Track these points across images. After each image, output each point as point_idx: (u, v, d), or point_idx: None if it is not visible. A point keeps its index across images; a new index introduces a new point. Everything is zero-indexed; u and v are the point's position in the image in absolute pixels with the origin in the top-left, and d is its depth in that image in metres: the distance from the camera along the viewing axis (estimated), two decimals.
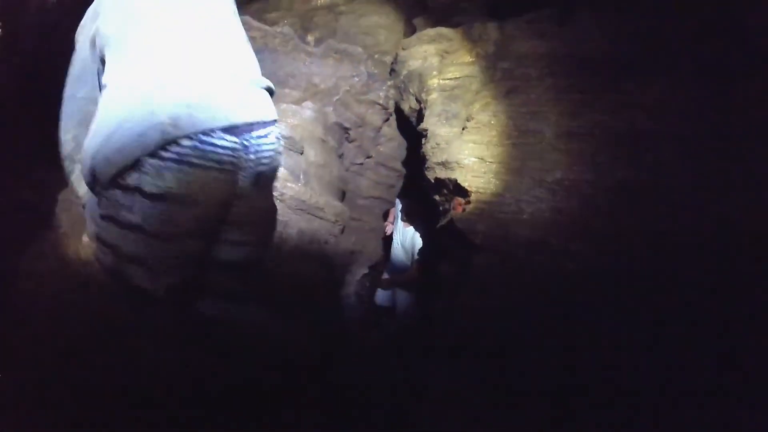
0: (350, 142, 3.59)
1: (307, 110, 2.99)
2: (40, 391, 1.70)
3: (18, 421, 1.62)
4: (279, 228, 2.65)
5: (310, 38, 4.23)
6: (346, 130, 3.42)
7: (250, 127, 1.47)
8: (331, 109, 3.22)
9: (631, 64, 2.64)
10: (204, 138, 1.36)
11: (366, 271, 4.60)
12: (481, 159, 2.60)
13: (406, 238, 4.30)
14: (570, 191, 2.36)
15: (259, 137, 1.50)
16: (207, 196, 1.45)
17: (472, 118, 2.79)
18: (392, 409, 2.31)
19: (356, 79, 3.58)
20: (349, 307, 4.33)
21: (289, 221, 2.72)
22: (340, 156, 3.43)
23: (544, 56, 2.95)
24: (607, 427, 1.92)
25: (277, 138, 1.63)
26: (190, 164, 1.36)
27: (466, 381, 2.14)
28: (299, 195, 2.69)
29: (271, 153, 1.56)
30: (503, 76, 2.98)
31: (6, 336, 1.80)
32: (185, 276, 1.56)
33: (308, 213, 2.82)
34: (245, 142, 1.45)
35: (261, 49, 3.50)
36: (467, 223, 2.45)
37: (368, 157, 3.89)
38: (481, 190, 2.51)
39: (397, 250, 4.44)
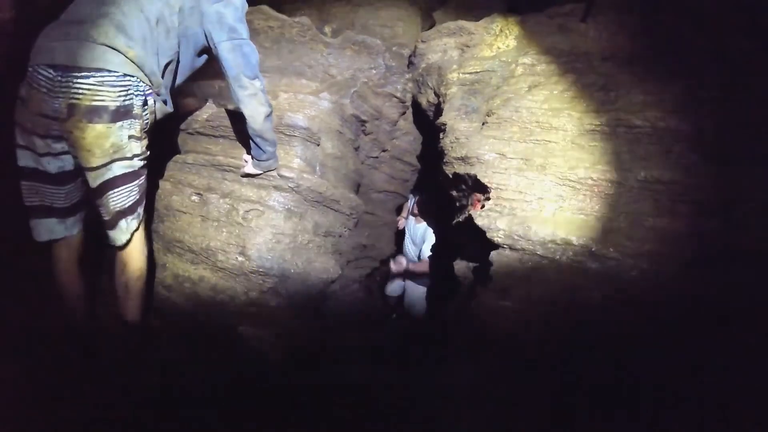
0: (366, 135, 3.54)
1: (325, 101, 2.94)
2: None
3: None
4: (295, 220, 2.63)
5: (327, 29, 4.20)
6: (362, 122, 3.37)
7: (69, 68, 1.84)
8: (348, 101, 3.17)
9: (653, 61, 2.61)
10: (36, 67, 1.87)
11: (377, 265, 4.58)
12: (502, 155, 2.55)
13: (417, 233, 4.27)
14: (593, 190, 2.32)
15: (77, 77, 1.84)
16: (32, 103, 1.91)
17: (493, 113, 2.75)
18: (411, 409, 2.30)
19: (374, 71, 3.53)
20: (360, 301, 4.30)
21: (305, 213, 2.69)
22: (356, 149, 3.39)
23: (566, 52, 2.92)
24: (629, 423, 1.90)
25: (106, 83, 1.89)
26: (29, 83, 1.90)
27: (486, 381, 2.11)
28: (316, 187, 2.65)
29: (85, 91, 1.85)
30: (525, 71, 2.95)
31: None
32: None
33: (324, 205, 2.78)
34: (61, 77, 1.84)
35: (278, 39, 3.47)
36: (486, 220, 2.41)
37: (384, 151, 3.85)
38: (501, 187, 2.46)
39: (408, 245, 4.42)
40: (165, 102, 2.23)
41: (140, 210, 2.21)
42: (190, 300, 2.59)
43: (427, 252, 4.17)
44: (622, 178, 2.32)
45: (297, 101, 2.90)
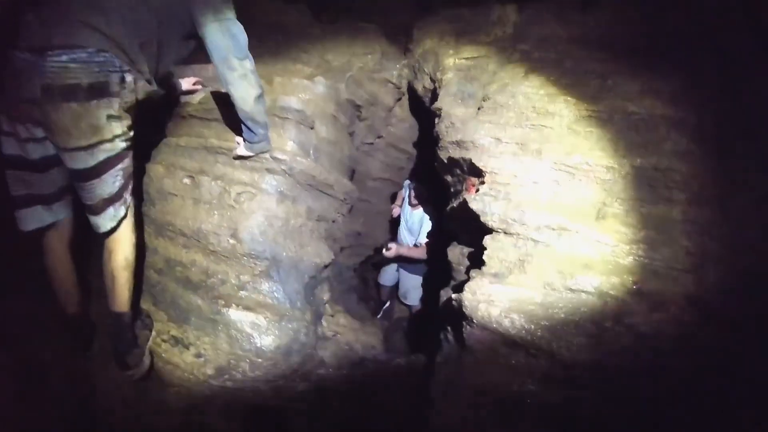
0: (361, 120, 3.52)
1: (319, 86, 2.91)
2: None
3: None
4: (288, 203, 2.61)
5: (323, 15, 4.16)
6: (357, 107, 3.35)
7: (44, 48, 1.79)
8: (344, 85, 3.15)
9: (651, 52, 2.61)
10: (15, 51, 1.82)
11: (371, 253, 4.57)
12: (498, 139, 2.53)
13: (413, 221, 4.25)
14: (589, 176, 2.31)
15: (50, 56, 1.78)
16: (11, 88, 1.87)
17: (489, 99, 2.73)
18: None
19: (369, 56, 3.50)
20: (354, 288, 4.30)
21: (298, 197, 2.66)
22: (351, 134, 3.37)
23: (564, 40, 2.91)
24: None
25: (78, 60, 1.82)
26: (9, 67, 1.84)
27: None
28: (309, 170, 2.62)
29: (57, 71, 1.79)
30: (522, 57, 2.93)
31: None
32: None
33: (317, 189, 2.76)
34: (36, 58, 1.78)
35: (274, 24, 3.43)
36: (481, 204, 2.38)
37: (379, 137, 3.83)
38: (496, 171, 2.44)
39: (404, 233, 4.39)
40: (149, 82, 2.16)
41: (127, 196, 2.16)
42: (182, 284, 2.57)
43: (424, 238, 4.15)
44: (618, 165, 2.30)
45: (291, 85, 2.87)
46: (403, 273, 4.57)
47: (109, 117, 1.94)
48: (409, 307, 4.69)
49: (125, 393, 2.49)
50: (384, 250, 4.03)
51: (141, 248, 2.53)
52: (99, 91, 1.89)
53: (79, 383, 2.47)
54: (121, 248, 2.18)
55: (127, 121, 2.07)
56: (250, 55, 2.19)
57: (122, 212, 2.13)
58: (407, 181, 4.34)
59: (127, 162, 2.11)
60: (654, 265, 2.08)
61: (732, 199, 2.14)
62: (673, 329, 1.95)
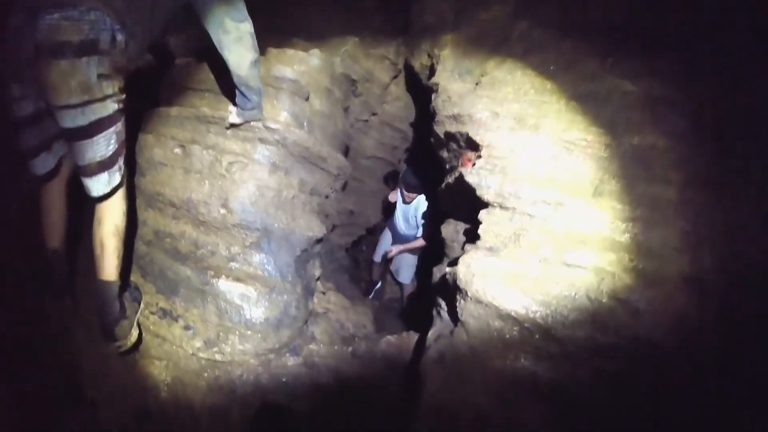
0: (356, 96, 3.47)
1: (315, 58, 2.85)
2: None
3: None
4: (280, 174, 2.56)
5: None
6: (353, 82, 3.29)
7: (38, 8, 1.77)
8: (339, 59, 3.09)
9: (650, 35, 2.58)
10: (12, 15, 1.81)
11: (364, 233, 4.54)
12: (495, 113, 2.50)
13: (408, 211, 4.16)
14: (586, 152, 2.28)
15: (43, 15, 1.76)
16: (9, 50, 1.87)
17: (487, 74, 2.70)
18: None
19: (366, 32, 3.45)
20: (345, 267, 4.27)
21: (291, 168, 2.61)
22: (346, 110, 3.31)
23: (564, 20, 2.88)
24: None
25: (69, 18, 1.80)
26: (7, 30, 1.83)
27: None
28: (302, 141, 2.57)
29: (48, 29, 1.77)
30: (521, 35, 2.90)
31: None
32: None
33: (310, 162, 2.71)
34: (31, 18, 1.77)
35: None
36: (477, 178, 2.36)
37: (374, 115, 3.78)
38: (493, 145, 2.41)
39: (399, 220, 4.32)
40: (141, 44, 2.10)
41: (121, 162, 2.12)
42: (171, 255, 2.52)
43: (420, 221, 4.07)
44: (616, 142, 2.28)
45: (286, 57, 2.80)
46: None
47: (100, 76, 1.90)
48: (400, 285, 4.66)
49: (112, 366, 2.44)
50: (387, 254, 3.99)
51: (131, 218, 2.47)
52: (89, 48, 1.84)
53: (65, 356, 2.43)
54: (112, 216, 2.14)
55: (119, 83, 2.01)
56: (249, 18, 2.14)
57: (117, 179, 2.10)
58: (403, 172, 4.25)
59: (120, 126, 2.06)
60: (650, 243, 2.07)
61: (728, 181, 2.12)
62: (669, 307, 1.94)
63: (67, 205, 2.35)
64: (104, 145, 2.00)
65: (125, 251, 2.27)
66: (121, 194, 2.15)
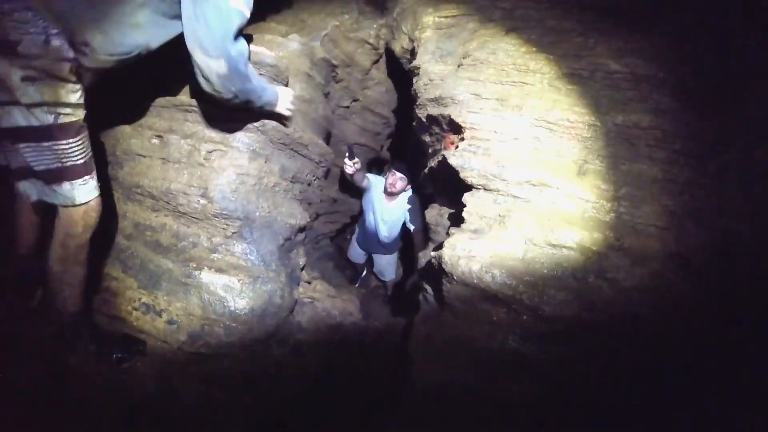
0: (337, 82, 3.41)
1: (294, 43, 2.79)
2: None
3: None
4: (260, 161, 2.51)
5: None
6: (333, 67, 3.24)
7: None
8: (318, 43, 3.03)
9: (633, 13, 2.58)
10: None
11: (348, 221, 4.50)
12: (477, 95, 2.47)
13: (390, 213, 3.98)
14: (570, 132, 2.27)
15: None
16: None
17: (469, 56, 2.66)
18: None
19: (346, 15, 3.38)
20: (330, 256, 4.23)
21: (271, 155, 2.56)
22: (326, 95, 3.26)
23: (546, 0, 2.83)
24: None
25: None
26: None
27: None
28: (282, 128, 2.52)
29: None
30: (503, 15, 2.87)
31: None
32: None
33: (291, 148, 2.66)
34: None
35: None
36: (460, 160, 2.33)
37: (355, 100, 3.72)
38: (476, 127, 2.38)
39: (375, 221, 4.10)
40: (109, 52, 1.88)
41: (81, 181, 1.96)
42: (152, 248, 2.47)
43: (415, 223, 3.81)
44: (600, 122, 2.28)
45: (264, 42, 2.74)
46: (376, 256, 4.50)
47: (24, 79, 1.71)
48: (384, 283, 4.63)
49: (98, 364, 2.39)
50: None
51: (111, 212, 2.46)
52: (8, 48, 1.67)
53: (50, 355, 2.37)
54: (83, 219, 2.05)
55: (56, 91, 1.80)
56: (232, 52, 1.92)
57: (82, 194, 1.99)
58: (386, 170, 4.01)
59: (62, 144, 1.86)
60: (635, 221, 2.08)
61: (713, 158, 2.13)
62: (654, 284, 1.94)
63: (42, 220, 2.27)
64: (36, 157, 1.85)
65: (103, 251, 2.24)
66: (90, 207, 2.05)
